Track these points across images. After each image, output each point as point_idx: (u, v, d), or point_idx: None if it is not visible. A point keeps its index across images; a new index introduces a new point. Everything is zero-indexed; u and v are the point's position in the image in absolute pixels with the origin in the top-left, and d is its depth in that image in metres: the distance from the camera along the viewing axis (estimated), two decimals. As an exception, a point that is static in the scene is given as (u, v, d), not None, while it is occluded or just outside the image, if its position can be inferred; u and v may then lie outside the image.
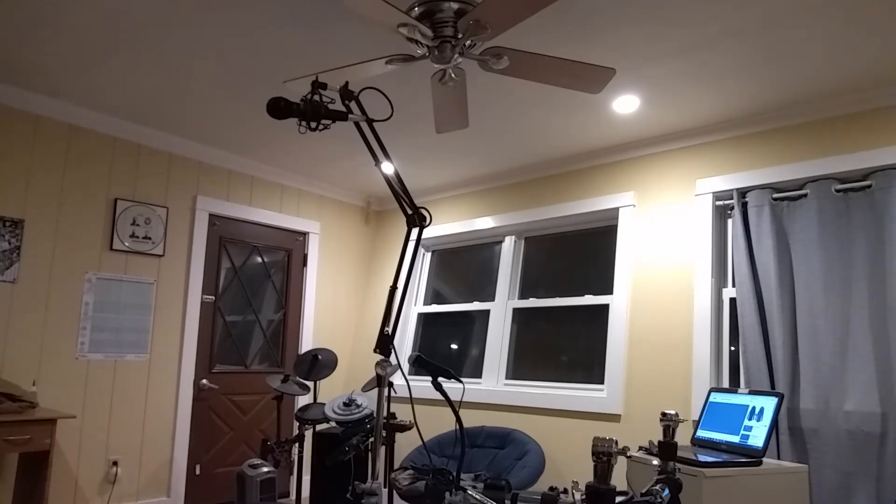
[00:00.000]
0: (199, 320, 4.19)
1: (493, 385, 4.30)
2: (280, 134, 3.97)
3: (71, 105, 3.58)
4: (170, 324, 4.03)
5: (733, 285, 3.45)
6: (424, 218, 1.78)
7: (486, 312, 4.56)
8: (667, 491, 1.62)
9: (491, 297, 4.58)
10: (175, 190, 4.11)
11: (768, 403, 2.58)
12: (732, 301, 3.43)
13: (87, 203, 3.69)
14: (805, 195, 3.22)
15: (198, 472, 4.13)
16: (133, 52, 2.93)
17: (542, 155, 4.18)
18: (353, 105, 1.86)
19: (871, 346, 2.90)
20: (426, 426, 4.37)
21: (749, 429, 2.57)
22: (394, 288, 1.71)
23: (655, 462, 1.77)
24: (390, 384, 1.90)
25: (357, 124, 1.86)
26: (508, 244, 4.60)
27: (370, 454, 2.07)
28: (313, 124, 1.73)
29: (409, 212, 1.78)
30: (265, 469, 3.18)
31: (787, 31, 2.57)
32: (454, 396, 4.04)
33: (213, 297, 4.33)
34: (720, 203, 3.56)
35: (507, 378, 4.30)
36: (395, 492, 3.21)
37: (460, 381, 1.89)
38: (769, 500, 2.36)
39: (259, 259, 4.69)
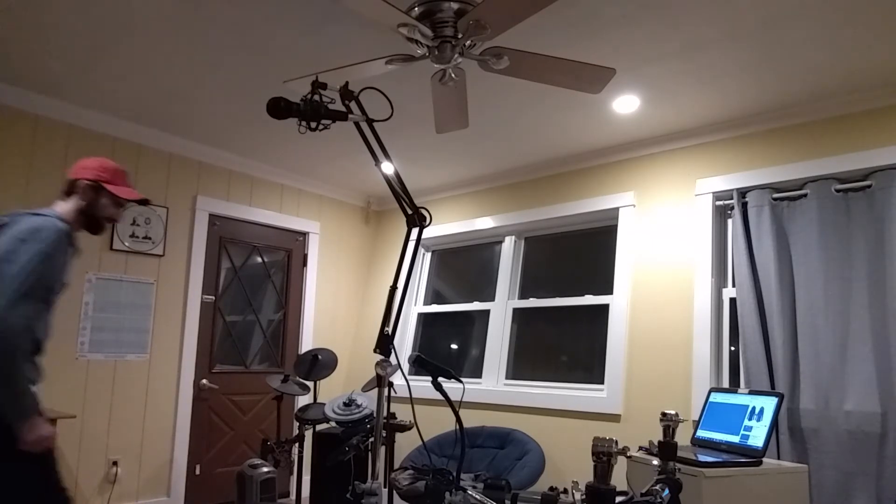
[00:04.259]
0: (199, 320, 4.19)
1: (493, 385, 4.30)
2: (280, 134, 3.97)
3: (71, 105, 3.58)
4: (170, 324, 4.03)
5: (733, 285, 3.45)
6: (424, 218, 1.78)
7: (486, 312, 4.56)
8: (667, 491, 1.62)
9: (491, 297, 4.58)
10: (175, 190, 4.11)
11: (768, 403, 2.58)
12: (732, 301, 3.43)
13: (87, 203, 3.69)
14: (805, 195, 3.22)
15: (198, 472, 4.13)
16: (133, 53, 2.93)
17: (542, 155, 4.18)
18: (353, 105, 1.86)
19: (871, 346, 2.90)
20: (426, 426, 4.37)
21: (749, 429, 2.57)
22: (394, 288, 1.71)
23: (655, 462, 1.77)
24: (390, 384, 1.90)
25: (357, 124, 1.86)
26: (508, 244, 4.60)
27: (370, 454, 2.07)
28: (313, 124, 1.73)
29: (409, 212, 1.78)
30: (265, 469, 3.18)
31: (786, 32, 2.57)
32: (454, 396, 4.04)
33: (213, 297, 4.33)
34: (720, 203, 3.56)
35: (507, 378, 4.30)
36: (395, 492, 3.21)
37: (460, 381, 1.89)
38: (769, 500, 2.36)
39: (259, 259, 4.69)
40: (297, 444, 3.63)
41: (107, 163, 2.18)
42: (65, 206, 2.08)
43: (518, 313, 4.43)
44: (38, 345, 1.94)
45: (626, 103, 3.31)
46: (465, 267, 4.94)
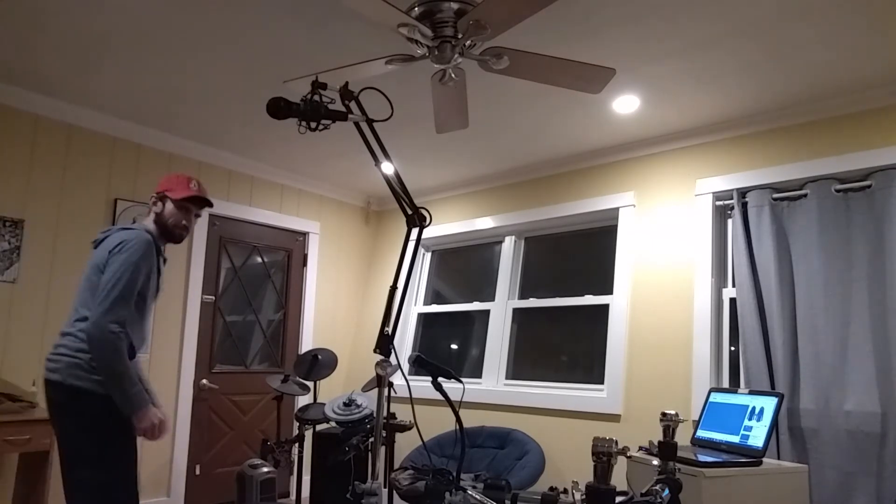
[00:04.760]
0: (199, 320, 4.19)
1: (493, 385, 4.30)
2: (280, 134, 3.97)
3: (71, 105, 3.58)
4: (170, 324, 4.03)
5: (733, 285, 3.45)
6: (424, 218, 1.78)
7: (486, 312, 4.56)
8: (667, 491, 1.62)
9: (491, 297, 4.58)
10: (175, 190, 4.11)
11: (768, 403, 2.58)
12: (732, 301, 3.43)
13: (87, 203, 3.69)
14: (805, 195, 3.22)
15: (198, 472, 4.13)
16: (133, 52, 2.93)
17: (542, 155, 4.18)
18: (353, 105, 1.86)
19: (871, 345, 2.90)
20: (426, 426, 4.37)
21: (749, 429, 2.57)
22: (394, 288, 1.71)
23: (655, 462, 1.77)
24: (390, 384, 1.90)
25: (357, 124, 1.86)
26: (508, 244, 4.60)
27: (370, 454, 2.07)
28: (313, 124, 1.73)
29: (409, 212, 1.78)
30: (265, 469, 3.18)
31: (787, 31, 2.57)
32: (454, 396, 4.04)
33: (213, 297, 4.33)
34: (720, 203, 3.56)
35: (507, 378, 4.30)
36: (395, 492, 3.21)
37: (460, 381, 1.89)
38: (769, 500, 2.36)
39: (259, 259, 4.69)
40: (297, 444, 3.62)
41: (174, 175, 2.39)
42: (147, 220, 2.33)
43: (518, 313, 4.43)
44: (132, 347, 2.15)
45: (626, 103, 3.31)
46: (465, 267, 4.94)
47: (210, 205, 2.39)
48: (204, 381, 4.20)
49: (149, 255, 2.15)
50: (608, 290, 3.96)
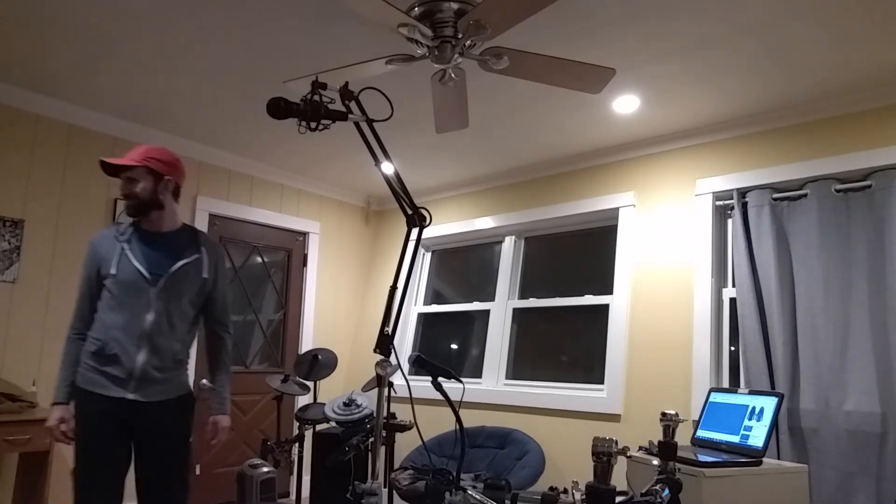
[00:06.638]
0: (199, 320, 4.19)
1: (493, 385, 4.30)
2: (280, 134, 3.97)
3: (71, 105, 3.58)
4: (170, 324, 4.02)
5: (733, 285, 3.45)
6: (424, 218, 1.78)
7: (486, 312, 4.56)
8: (667, 491, 1.62)
9: (491, 297, 4.58)
10: (175, 190, 4.11)
11: (768, 403, 2.58)
12: (732, 301, 3.43)
13: (87, 203, 3.69)
14: (805, 195, 3.22)
15: (198, 472, 4.13)
16: (133, 52, 2.93)
17: (542, 155, 4.18)
18: (353, 105, 1.86)
19: (871, 346, 2.90)
20: (426, 426, 4.37)
21: (749, 429, 2.57)
22: (394, 288, 1.71)
23: (655, 462, 1.77)
24: (390, 384, 1.90)
25: (357, 124, 1.86)
26: (508, 244, 4.60)
27: (370, 454, 2.07)
28: (313, 124, 1.73)
29: (409, 212, 1.78)
30: (265, 469, 3.18)
31: (787, 31, 2.57)
32: (454, 396, 4.04)
33: (213, 297, 4.32)
34: (720, 203, 3.56)
35: (507, 378, 4.30)
36: (395, 492, 3.21)
37: (460, 381, 1.89)
38: (769, 500, 2.36)
39: (259, 259, 4.69)
40: (297, 444, 3.62)
41: None
42: None
43: (518, 313, 4.43)
44: (111, 339, 2.17)
45: (626, 103, 3.31)
46: (465, 267, 4.94)
47: (107, 169, 2.19)
48: (204, 381, 4.19)
49: (92, 250, 2.22)
50: (608, 290, 3.96)
